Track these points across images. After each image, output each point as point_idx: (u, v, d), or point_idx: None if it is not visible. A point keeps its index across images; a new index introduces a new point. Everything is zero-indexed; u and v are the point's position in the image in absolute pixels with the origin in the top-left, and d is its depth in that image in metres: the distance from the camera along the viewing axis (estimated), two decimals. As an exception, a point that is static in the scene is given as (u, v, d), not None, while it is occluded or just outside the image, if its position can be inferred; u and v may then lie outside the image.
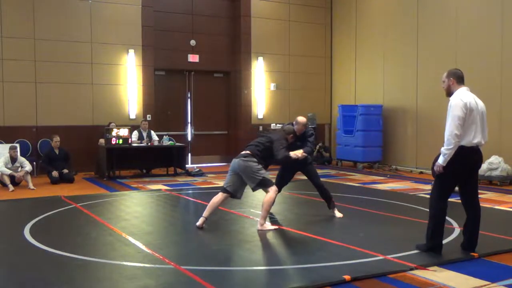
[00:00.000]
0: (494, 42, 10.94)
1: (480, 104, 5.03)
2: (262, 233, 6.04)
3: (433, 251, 4.99)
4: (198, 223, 6.25)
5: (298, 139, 6.81)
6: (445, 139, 4.85)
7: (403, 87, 13.21)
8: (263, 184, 6.10)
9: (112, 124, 11.83)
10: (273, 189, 6.15)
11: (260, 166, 6.14)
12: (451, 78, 5.06)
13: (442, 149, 4.88)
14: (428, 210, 5.16)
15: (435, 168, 4.97)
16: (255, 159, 6.14)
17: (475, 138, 4.89)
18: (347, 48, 15.03)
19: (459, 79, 5.06)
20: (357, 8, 14.69)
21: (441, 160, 4.89)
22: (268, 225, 6.23)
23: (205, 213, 6.29)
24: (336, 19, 15.50)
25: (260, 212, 6.21)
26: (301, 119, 6.95)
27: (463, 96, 4.91)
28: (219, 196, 6.27)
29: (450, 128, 4.81)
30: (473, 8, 11.44)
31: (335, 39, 15.57)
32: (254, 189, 6.18)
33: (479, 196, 8.57)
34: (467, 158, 4.90)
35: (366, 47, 14.38)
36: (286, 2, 14.91)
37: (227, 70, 14.70)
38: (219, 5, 14.46)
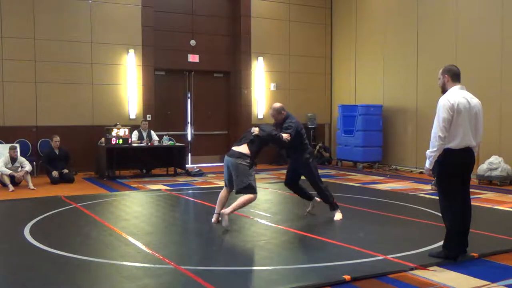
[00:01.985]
0: (494, 42, 10.93)
1: (474, 102, 4.84)
2: (262, 233, 6.05)
3: (449, 259, 4.79)
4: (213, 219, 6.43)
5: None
6: (430, 141, 4.76)
7: (403, 87, 13.21)
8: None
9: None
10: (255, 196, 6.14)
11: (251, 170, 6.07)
12: (446, 75, 4.92)
13: (427, 152, 4.80)
14: (440, 215, 5.00)
15: (425, 172, 4.90)
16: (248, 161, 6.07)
17: (463, 140, 4.74)
18: (347, 48, 15.03)
19: (454, 76, 4.91)
20: (357, 8, 14.69)
21: (427, 164, 4.82)
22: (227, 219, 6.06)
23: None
24: (336, 19, 15.49)
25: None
26: (274, 104, 6.71)
27: (450, 97, 4.77)
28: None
29: (435, 130, 4.73)
30: (473, 7, 11.44)
31: (335, 39, 15.57)
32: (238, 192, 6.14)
33: (480, 196, 8.71)
34: (457, 159, 4.78)
35: (366, 47, 14.38)
36: (286, 2, 14.90)
37: (227, 70, 14.69)
38: (219, 5, 14.46)
